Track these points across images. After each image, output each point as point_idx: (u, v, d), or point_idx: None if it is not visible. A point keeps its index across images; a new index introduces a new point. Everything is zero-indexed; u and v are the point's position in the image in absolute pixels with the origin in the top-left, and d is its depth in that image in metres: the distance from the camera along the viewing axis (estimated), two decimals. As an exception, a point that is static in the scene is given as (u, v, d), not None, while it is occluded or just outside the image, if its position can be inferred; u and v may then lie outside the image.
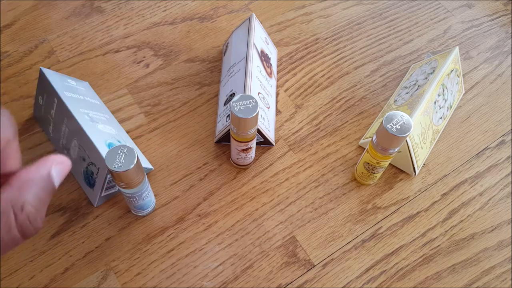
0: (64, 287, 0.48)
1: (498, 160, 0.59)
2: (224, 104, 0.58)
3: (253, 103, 0.46)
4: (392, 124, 0.45)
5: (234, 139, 0.50)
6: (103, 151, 0.47)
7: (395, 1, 0.75)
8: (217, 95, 0.63)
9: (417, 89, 0.58)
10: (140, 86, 0.63)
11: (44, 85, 0.52)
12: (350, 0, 0.75)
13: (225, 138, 0.57)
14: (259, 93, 0.56)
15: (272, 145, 0.58)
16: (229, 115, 0.54)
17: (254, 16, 0.61)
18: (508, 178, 0.58)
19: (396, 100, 0.61)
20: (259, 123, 0.53)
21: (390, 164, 0.58)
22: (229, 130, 0.54)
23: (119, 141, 0.52)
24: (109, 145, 0.49)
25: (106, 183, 0.50)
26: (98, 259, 0.50)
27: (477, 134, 0.62)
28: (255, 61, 0.57)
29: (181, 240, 0.52)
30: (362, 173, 0.54)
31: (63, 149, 0.54)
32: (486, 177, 0.58)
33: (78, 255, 0.50)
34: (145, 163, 0.55)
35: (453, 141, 0.61)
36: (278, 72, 0.66)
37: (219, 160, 0.57)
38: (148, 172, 0.56)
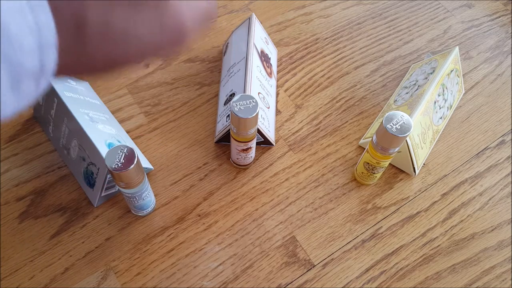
0: (64, 287, 0.48)
1: (498, 160, 0.59)
2: (224, 104, 0.58)
3: (253, 103, 0.46)
4: (392, 124, 0.45)
5: (234, 139, 0.50)
6: (103, 151, 0.47)
7: (395, 1, 0.75)
8: (217, 95, 0.63)
9: (417, 89, 0.58)
10: (140, 86, 0.63)
11: (44, 85, 0.52)
12: (350, 0, 0.75)
13: (225, 138, 0.57)
14: (259, 93, 0.56)
15: (272, 145, 0.58)
16: (229, 115, 0.54)
17: (254, 16, 0.61)
18: (508, 178, 0.58)
19: (396, 100, 0.61)
20: (259, 123, 0.53)
21: (390, 164, 0.58)
22: (229, 130, 0.54)
23: (119, 141, 0.52)
24: (109, 145, 0.49)
25: (106, 183, 0.50)
26: (98, 259, 0.50)
27: (477, 134, 0.62)
28: (255, 61, 0.57)
29: (181, 240, 0.52)
30: (362, 173, 0.54)
31: (63, 149, 0.54)
32: (486, 177, 0.58)
33: (78, 255, 0.50)
34: (145, 163, 0.55)
35: (453, 141, 0.61)
36: (278, 72, 0.66)
37: (219, 160, 0.57)
38: (148, 172, 0.56)
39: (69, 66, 0.19)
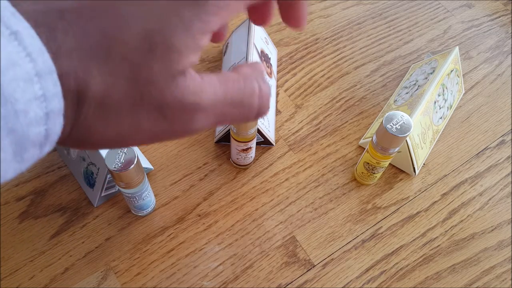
0: (64, 287, 0.48)
1: (498, 160, 0.59)
2: (224, 104, 0.58)
3: (253, 103, 0.45)
4: (392, 124, 0.45)
5: (234, 139, 0.50)
6: (103, 151, 0.47)
7: (395, 1, 0.75)
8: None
9: (417, 89, 0.58)
10: (140, 86, 0.63)
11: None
12: (350, 0, 0.75)
13: (225, 138, 0.57)
14: (259, 93, 0.56)
15: (272, 145, 0.58)
16: (229, 115, 0.54)
17: (254, 16, 0.61)
18: (508, 178, 0.58)
19: (396, 100, 0.61)
20: (259, 123, 0.53)
21: (390, 164, 0.58)
22: (229, 130, 0.54)
23: (119, 141, 0.52)
24: (109, 145, 0.49)
25: (106, 183, 0.50)
26: (98, 259, 0.50)
27: (477, 134, 0.62)
28: (255, 61, 0.57)
29: (181, 240, 0.52)
30: (362, 173, 0.54)
31: (63, 149, 0.54)
32: (486, 177, 0.58)
33: (78, 255, 0.50)
34: (145, 163, 0.55)
35: (453, 141, 0.61)
36: (278, 72, 0.66)
37: (219, 160, 0.57)
38: (148, 172, 0.56)
39: (68, 138, 0.18)
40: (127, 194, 0.46)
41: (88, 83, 0.17)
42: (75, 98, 0.17)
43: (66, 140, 0.18)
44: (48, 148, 0.17)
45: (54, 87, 0.15)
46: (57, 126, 0.16)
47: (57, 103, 0.16)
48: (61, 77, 0.16)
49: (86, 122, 0.18)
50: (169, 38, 0.17)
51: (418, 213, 0.55)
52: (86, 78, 0.17)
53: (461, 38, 0.72)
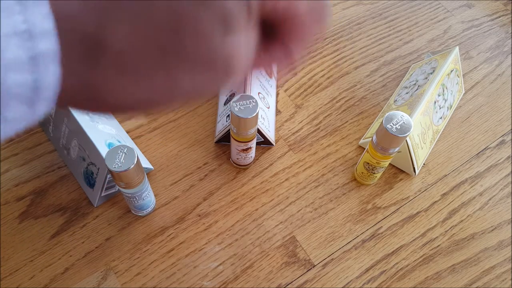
0: (64, 287, 0.48)
1: (498, 160, 0.59)
2: (224, 104, 0.58)
3: (253, 103, 0.46)
4: (392, 124, 0.45)
5: (234, 139, 0.50)
6: (103, 151, 0.47)
7: (395, 1, 0.75)
8: (217, 95, 0.63)
9: (417, 89, 0.58)
10: (140, 86, 0.63)
11: (44, 85, 0.52)
12: (350, 0, 0.75)
13: (225, 138, 0.57)
14: (259, 93, 0.56)
15: (272, 145, 0.58)
16: (229, 115, 0.54)
17: (254, 16, 0.61)
18: (508, 178, 0.58)
19: (396, 100, 0.61)
20: (259, 123, 0.53)
21: (390, 164, 0.58)
22: (229, 130, 0.54)
23: (119, 141, 0.52)
24: (109, 145, 0.49)
25: (106, 183, 0.50)
26: (98, 259, 0.50)
27: (477, 134, 0.62)
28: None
29: (181, 240, 0.52)
30: (362, 173, 0.54)
31: (63, 149, 0.54)
32: (486, 177, 0.58)
33: (78, 255, 0.50)
34: (145, 163, 0.55)
35: (453, 141, 0.61)
36: (278, 72, 0.66)
37: (219, 160, 0.57)
38: (148, 172, 0.56)
39: (72, 95, 0.14)
40: (127, 194, 0.46)
41: (108, 27, 0.13)
42: (88, 44, 0.13)
43: (74, 99, 0.14)
44: (42, 107, 0.13)
45: (43, 22, 0.11)
46: (50, 76, 0.12)
47: (49, 44, 0.12)
48: (62, 13, 0.12)
49: (104, 78, 0.14)
50: None
51: (418, 213, 0.55)
52: (100, 26, 0.12)
53: (461, 38, 0.72)
